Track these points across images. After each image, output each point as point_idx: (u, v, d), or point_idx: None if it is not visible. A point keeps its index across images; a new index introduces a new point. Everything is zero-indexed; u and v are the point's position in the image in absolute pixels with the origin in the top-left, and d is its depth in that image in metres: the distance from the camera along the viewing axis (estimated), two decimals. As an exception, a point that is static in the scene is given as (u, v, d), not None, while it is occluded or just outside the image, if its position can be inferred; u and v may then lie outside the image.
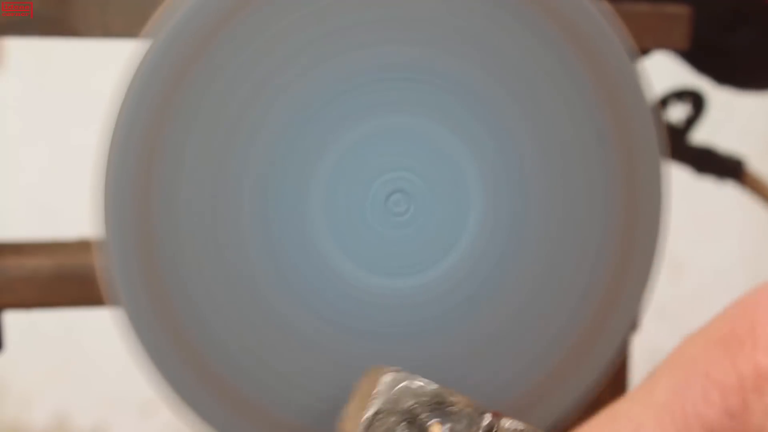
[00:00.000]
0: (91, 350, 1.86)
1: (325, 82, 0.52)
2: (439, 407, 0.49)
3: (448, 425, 0.48)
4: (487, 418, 0.49)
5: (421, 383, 0.49)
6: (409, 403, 0.48)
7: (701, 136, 1.18)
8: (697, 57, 1.02)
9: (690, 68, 1.05)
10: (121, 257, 0.51)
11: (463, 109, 0.54)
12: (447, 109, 0.53)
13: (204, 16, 0.51)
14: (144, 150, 0.51)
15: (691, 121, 1.15)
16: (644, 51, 0.83)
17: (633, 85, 0.55)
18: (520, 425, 0.49)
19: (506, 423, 0.49)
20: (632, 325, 0.59)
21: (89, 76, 1.50)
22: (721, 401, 0.43)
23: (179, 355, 0.52)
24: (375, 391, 0.48)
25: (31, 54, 1.83)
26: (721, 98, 1.17)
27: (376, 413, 0.48)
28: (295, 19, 0.51)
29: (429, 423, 0.48)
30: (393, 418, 0.48)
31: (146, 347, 0.52)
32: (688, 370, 0.44)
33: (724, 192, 1.34)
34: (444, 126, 0.54)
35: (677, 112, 1.15)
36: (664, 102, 1.14)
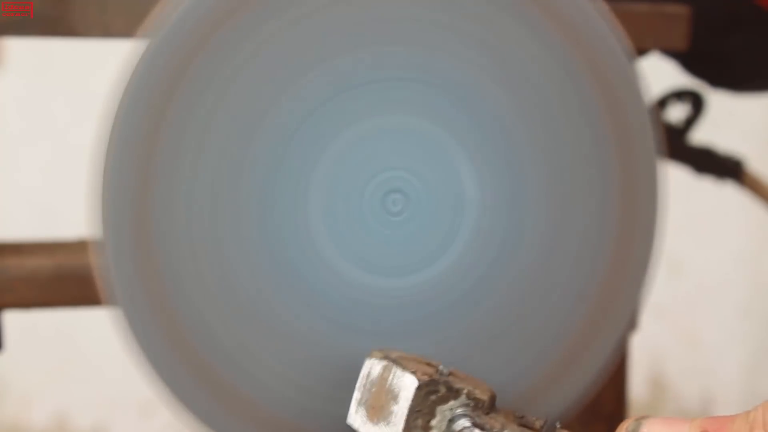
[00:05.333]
0: (90, 350, 1.86)
1: (323, 82, 0.52)
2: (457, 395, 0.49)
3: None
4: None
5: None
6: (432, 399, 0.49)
7: (701, 136, 1.18)
8: (692, 60, 1.02)
9: (684, 71, 1.05)
10: (118, 257, 0.51)
11: (461, 110, 0.54)
12: (444, 110, 0.53)
13: (202, 15, 0.51)
14: (141, 150, 0.51)
15: (690, 121, 1.15)
16: (644, 51, 0.83)
17: (631, 85, 0.55)
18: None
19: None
20: (630, 324, 0.59)
21: (89, 76, 1.50)
22: None
23: (177, 355, 0.52)
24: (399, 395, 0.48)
25: (31, 54, 1.83)
26: (720, 99, 1.17)
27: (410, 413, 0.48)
28: (291, 19, 0.52)
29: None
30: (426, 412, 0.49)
31: (144, 348, 0.52)
32: None
33: (724, 192, 1.34)
34: (441, 126, 0.54)
35: (677, 112, 1.15)
36: (664, 102, 1.14)
